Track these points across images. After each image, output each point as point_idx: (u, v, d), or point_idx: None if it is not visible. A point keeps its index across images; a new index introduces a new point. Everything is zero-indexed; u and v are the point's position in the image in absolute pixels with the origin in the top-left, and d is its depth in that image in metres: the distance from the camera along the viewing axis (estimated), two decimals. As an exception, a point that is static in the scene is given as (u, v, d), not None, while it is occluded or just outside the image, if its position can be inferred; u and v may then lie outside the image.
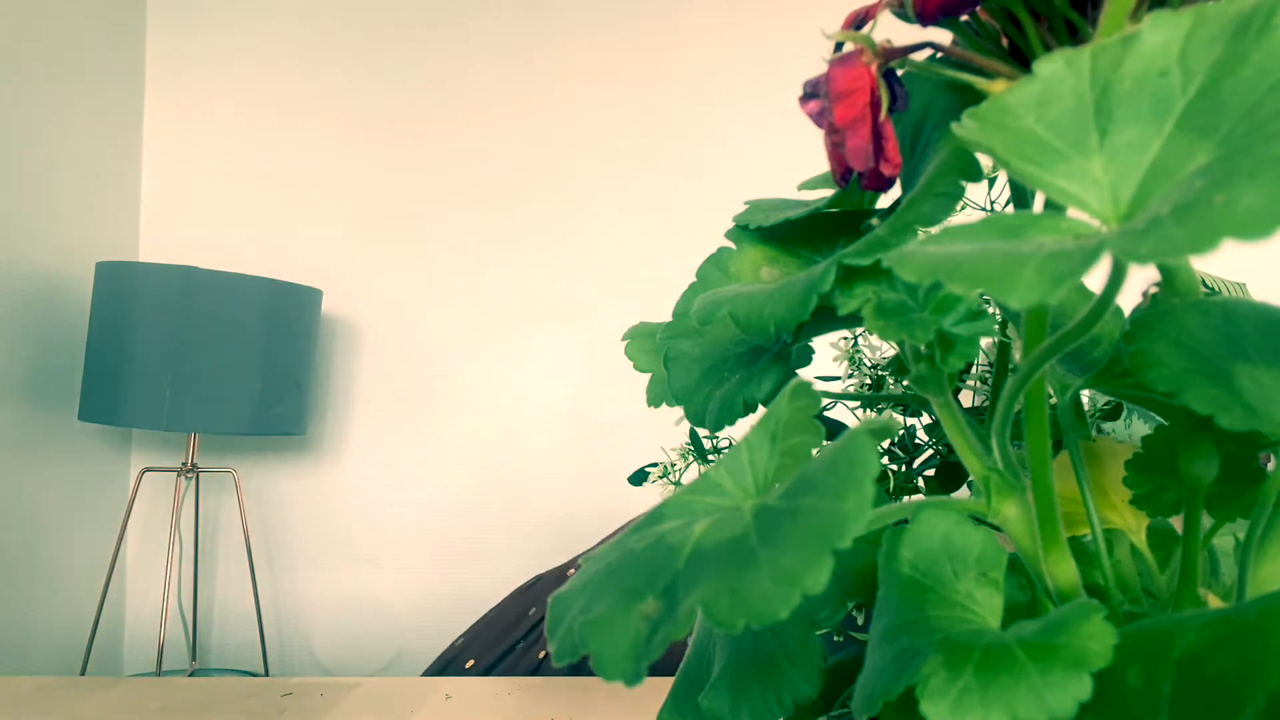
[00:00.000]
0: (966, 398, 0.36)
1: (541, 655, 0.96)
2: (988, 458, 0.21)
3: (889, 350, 0.38)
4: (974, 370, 0.37)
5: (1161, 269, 0.21)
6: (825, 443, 0.19)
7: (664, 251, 1.81)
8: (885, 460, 0.36)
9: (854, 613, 0.31)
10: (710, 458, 0.42)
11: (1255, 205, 0.12)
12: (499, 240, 1.86)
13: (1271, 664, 0.14)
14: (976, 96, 0.20)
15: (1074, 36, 0.20)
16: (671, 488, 0.44)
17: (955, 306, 0.20)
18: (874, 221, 0.21)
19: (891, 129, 0.21)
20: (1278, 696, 0.13)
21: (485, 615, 1.02)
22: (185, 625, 1.83)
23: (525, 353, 1.85)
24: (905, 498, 0.36)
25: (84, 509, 1.74)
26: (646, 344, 0.31)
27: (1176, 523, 0.24)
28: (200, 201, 1.91)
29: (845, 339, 0.39)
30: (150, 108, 1.93)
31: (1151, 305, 0.21)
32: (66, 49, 1.69)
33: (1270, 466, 0.21)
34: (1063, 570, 0.20)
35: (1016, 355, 0.26)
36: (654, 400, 0.29)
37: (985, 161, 0.22)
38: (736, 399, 0.25)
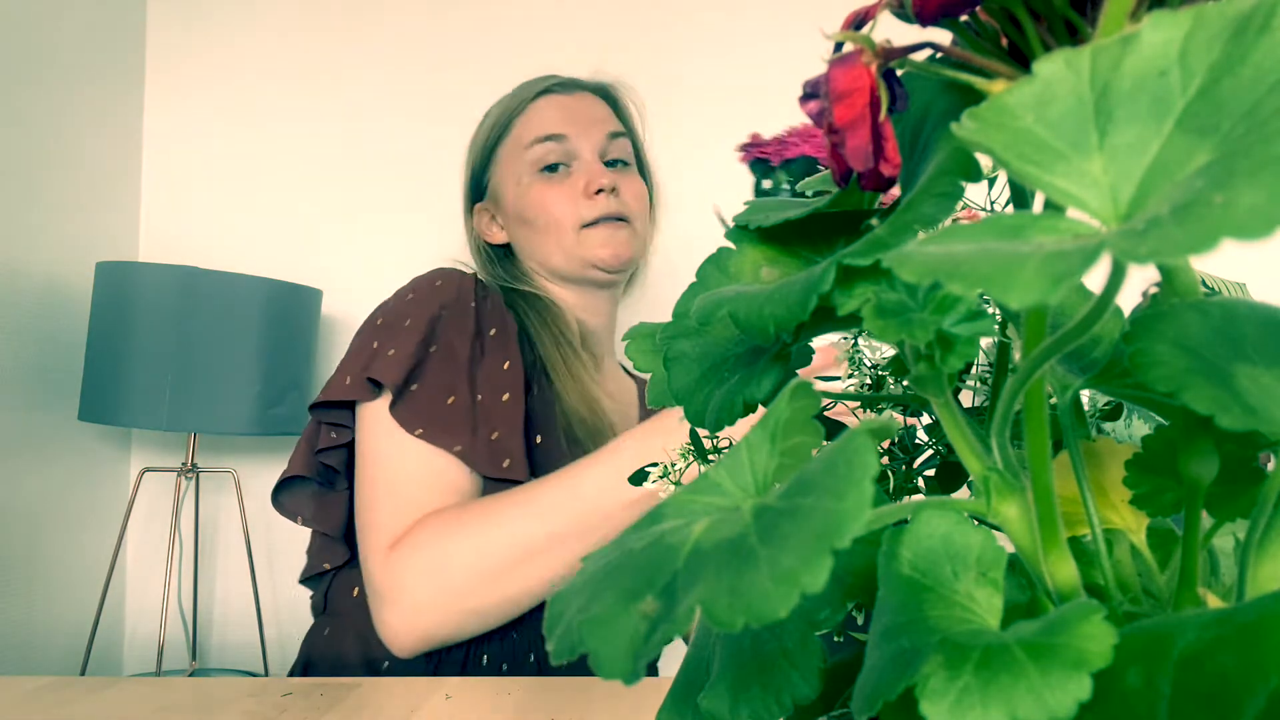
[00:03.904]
0: (966, 398, 0.36)
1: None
2: (988, 458, 0.21)
3: (889, 350, 0.38)
4: (974, 370, 0.37)
5: (1161, 269, 0.21)
6: (825, 443, 0.19)
7: (664, 251, 1.81)
8: (885, 460, 0.36)
9: (854, 613, 0.31)
10: (710, 458, 0.42)
11: (1254, 205, 0.12)
12: (499, 240, 1.86)
13: (1271, 664, 0.14)
14: (976, 96, 0.20)
15: (1074, 36, 0.20)
16: (671, 488, 0.44)
17: (955, 306, 0.20)
18: (874, 221, 0.21)
19: (891, 129, 0.21)
20: (1278, 696, 0.14)
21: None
22: (185, 625, 1.83)
23: (525, 353, 1.84)
24: (905, 498, 0.36)
25: (84, 509, 1.74)
26: (646, 344, 0.31)
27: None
28: (200, 201, 1.91)
29: (845, 339, 0.39)
30: (150, 108, 1.93)
31: (1151, 305, 0.21)
32: (66, 49, 1.69)
33: (1270, 466, 0.21)
34: (1063, 570, 0.20)
35: (1016, 355, 0.26)
36: (654, 400, 0.29)
37: (985, 161, 0.22)
38: (736, 399, 0.25)
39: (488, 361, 0.97)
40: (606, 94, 1.17)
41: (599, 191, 1.06)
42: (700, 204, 1.78)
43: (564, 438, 0.96)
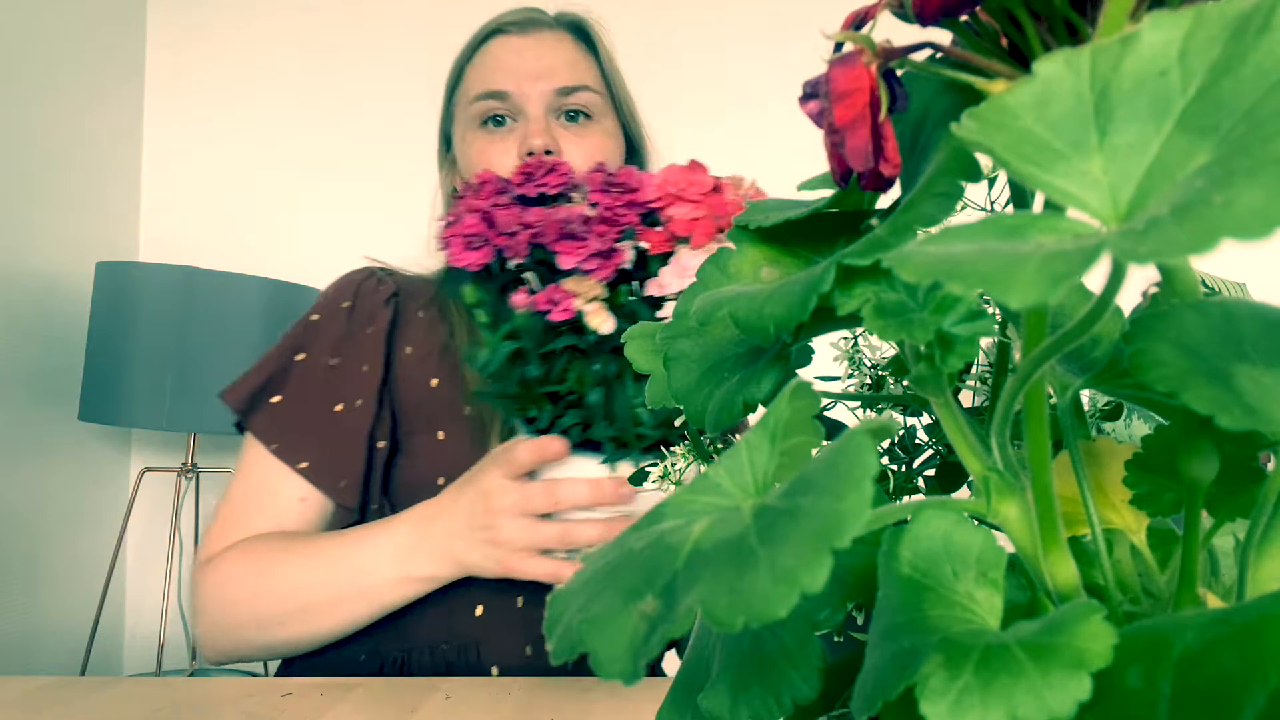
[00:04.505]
0: (966, 398, 0.36)
1: None
2: (988, 458, 0.21)
3: (889, 350, 0.38)
4: (974, 370, 0.37)
5: (1161, 269, 0.21)
6: (825, 443, 0.19)
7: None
8: (885, 460, 0.36)
9: (854, 613, 0.31)
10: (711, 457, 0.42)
11: (1254, 205, 0.12)
12: (499, 240, 1.86)
13: (1271, 664, 0.14)
14: (976, 96, 0.20)
15: (1074, 36, 0.20)
16: (672, 487, 0.44)
17: (955, 306, 0.20)
18: (874, 221, 0.21)
19: (891, 129, 0.21)
20: (1278, 696, 0.14)
21: None
22: (185, 625, 1.83)
23: (525, 353, 1.84)
24: (905, 498, 0.36)
25: (84, 509, 1.74)
26: (646, 344, 0.31)
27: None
28: (200, 201, 1.91)
29: (845, 339, 0.39)
30: (150, 108, 1.93)
31: (1151, 305, 0.21)
32: (66, 49, 1.69)
33: (1270, 466, 0.21)
34: (1063, 570, 0.20)
35: (1016, 355, 0.26)
36: (654, 400, 0.29)
37: (985, 161, 0.22)
38: (736, 399, 0.25)
39: (352, 366, 0.91)
40: (576, 29, 1.00)
41: (531, 154, 0.91)
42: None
43: (471, 428, 0.90)
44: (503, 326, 0.66)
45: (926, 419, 0.37)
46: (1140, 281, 0.21)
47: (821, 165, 0.24)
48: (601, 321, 0.64)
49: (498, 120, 0.96)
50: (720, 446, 0.41)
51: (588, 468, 0.69)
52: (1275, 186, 0.12)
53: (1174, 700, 0.15)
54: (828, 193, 0.25)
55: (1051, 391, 0.25)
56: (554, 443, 0.68)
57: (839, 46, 0.21)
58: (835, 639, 0.30)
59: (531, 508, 0.70)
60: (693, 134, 1.86)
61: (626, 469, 0.69)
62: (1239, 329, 0.19)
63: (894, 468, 0.36)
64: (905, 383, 0.37)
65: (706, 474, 0.21)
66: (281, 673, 0.91)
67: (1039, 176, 0.16)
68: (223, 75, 1.93)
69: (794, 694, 0.20)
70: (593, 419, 0.67)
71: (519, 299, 0.64)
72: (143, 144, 1.92)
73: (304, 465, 0.87)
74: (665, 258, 0.65)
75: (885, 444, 0.36)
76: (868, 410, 0.38)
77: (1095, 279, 0.15)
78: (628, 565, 0.18)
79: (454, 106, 1.02)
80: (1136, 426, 0.43)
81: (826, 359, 0.36)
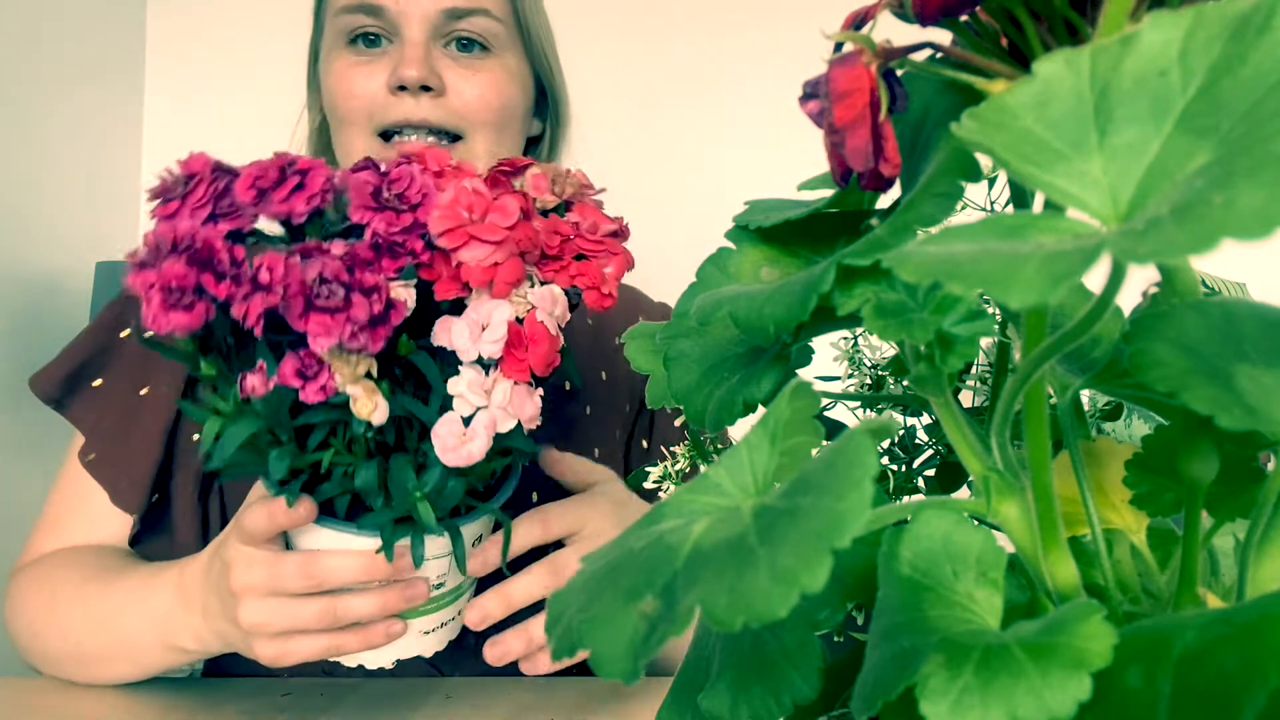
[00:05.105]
0: (966, 398, 0.36)
1: None
2: (988, 458, 0.21)
3: (889, 350, 0.38)
4: (974, 370, 0.37)
5: (1161, 269, 0.21)
6: (825, 443, 0.19)
7: (665, 250, 1.81)
8: (885, 460, 0.36)
9: (854, 613, 0.31)
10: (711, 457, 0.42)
11: (1254, 205, 0.12)
12: (499, 240, 1.86)
13: (1271, 664, 0.14)
14: (976, 96, 0.20)
15: (1074, 36, 0.20)
16: (672, 487, 0.44)
17: (955, 306, 0.20)
18: (874, 221, 0.21)
19: (891, 129, 0.21)
20: (1277, 696, 0.14)
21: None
22: (185, 625, 1.83)
23: (525, 353, 1.84)
24: (905, 498, 0.36)
25: (84, 509, 1.74)
26: (646, 344, 0.31)
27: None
28: (200, 201, 1.91)
29: (845, 339, 0.39)
30: (150, 108, 1.93)
31: (1151, 305, 0.21)
32: (66, 49, 1.69)
33: (1270, 466, 0.21)
34: (1063, 570, 0.20)
35: (1016, 355, 0.26)
36: (654, 400, 0.29)
37: (985, 161, 0.22)
38: (736, 399, 0.25)
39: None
40: None
41: (402, 88, 0.75)
42: (701, 202, 1.80)
43: None
44: (236, 399, 0.47)
45: (926, 419, 0.37)
46: (1140, 281, 0.21)
47: (821, 164, 0.24)
48: (372, 410, 0.46)
49: (369, 39, 0.78)
50: (720, 447, 0.41)
51: (356, 542, 0.52)
52: (1275, 186, 0.12)
53: (1174, 700, 0.15)
54: (828, 193, 0.26)
55: (1051, 391, 0.25)
56: (300, 506, 0.51)
57: (839, 46, 0.21)
58: (835, 639, 0.30)
59: (282, 588, 0.53)
60: (693, 132, 1.86)
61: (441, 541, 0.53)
62: (1239, 329, 0.19)
63: (894, 468, 0.36)
64: (905, 383, 0.37)
65: (707, 474, 0.21)
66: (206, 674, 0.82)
67: (1039, 176, 0.16)
68: (223, 75, 1.93)
69: (794, 694, 0.20)
70: (365, 496, 0.52)
71: (253, 382, 0.45)
72: (143, 144, 1.92)
73: (91, 458, 0.74)
74: (459, 303, 0.48)
75: (885, 444, 0.36)
76: (868, 410, 0.38)
77: (1095, 279, 0.15)
78: (628, 565, 0.18)
79: (322, 16, 0.84)
80: (1136, 426, 0.43)
81: (826, 359, 0.36)
